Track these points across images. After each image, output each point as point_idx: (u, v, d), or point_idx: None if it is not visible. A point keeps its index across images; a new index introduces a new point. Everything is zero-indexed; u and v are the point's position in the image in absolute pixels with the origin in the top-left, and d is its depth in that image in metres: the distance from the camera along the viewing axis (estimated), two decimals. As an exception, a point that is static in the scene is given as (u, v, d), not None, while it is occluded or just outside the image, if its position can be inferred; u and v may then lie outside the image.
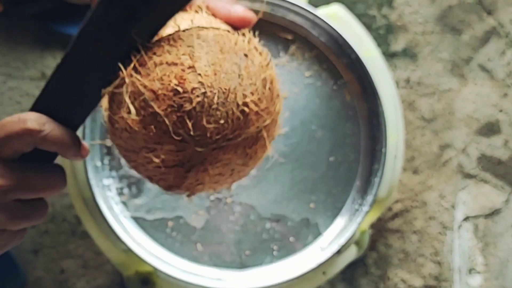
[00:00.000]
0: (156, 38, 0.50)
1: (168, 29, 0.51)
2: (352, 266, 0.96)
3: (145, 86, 0.47)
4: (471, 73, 1.00)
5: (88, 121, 0.76)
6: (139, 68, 0.48)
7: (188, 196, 0.54)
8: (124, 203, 0.78)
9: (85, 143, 0.53)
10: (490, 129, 1.00)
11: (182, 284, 0.76)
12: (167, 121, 0.47)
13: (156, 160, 0.49)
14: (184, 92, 0.46)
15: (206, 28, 0.50)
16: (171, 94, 0.46)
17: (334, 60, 0.79)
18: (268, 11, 0.76)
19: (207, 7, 0.54)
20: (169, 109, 0.47)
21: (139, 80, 0.47)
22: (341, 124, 0.79)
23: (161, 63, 0.47)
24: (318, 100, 0.79)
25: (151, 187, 0.78)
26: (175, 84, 0.46)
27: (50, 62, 0.99)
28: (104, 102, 0.53)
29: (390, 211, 0.98)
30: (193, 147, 0.47)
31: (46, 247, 0.97)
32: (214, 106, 0.47)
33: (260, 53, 0.51)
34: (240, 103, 0.47)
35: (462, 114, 1.00)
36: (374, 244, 0.98)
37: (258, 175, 0.79)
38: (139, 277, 0.78)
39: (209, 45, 0.48)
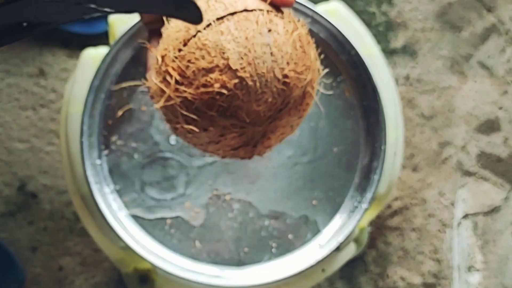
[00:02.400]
0: (182, 42, 0.51)
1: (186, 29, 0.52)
2: (351, 264, 0.96)
3: (193, 95, 0.50)
4: (470, 70, 1.00)
5: (86, 118, 0.76)
6: (181, 80, 0.51)
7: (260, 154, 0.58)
8: (122, 201, 0.78)
9: None
10: (489, 126, 0.99)
11: (181, 281, 0.76)
12: (222, 120, 0.51)
13: (223, 150, 0.54)
14: (229, 90, 0.49)
15: (224, 17, 0.51)
16: (217, 96, 0.50)
17: (333, 57, 0.79)
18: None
19: None
20: (220, 109, 0.50)
21: (185, 91, 0.50)
22: (340, 121, 0.79)
23: (198, 70, 0.50)
24: (317, 98, 0.79)
25: (150, 186, 0.78)
26: (218, 87, 0.49)
27: (49, 59, 0.99)
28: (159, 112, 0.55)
29: (390, 209, 0.98)
30: (252, 128, 0.52)
31: (44, 245, 0.97)
32: (259, 91, 0.50)
33: (281, 17, 0.53)
34: (280, 77, 0.50)
35: (461, 111, 1.00)
36: (373, 241, 0.98)
37: (257, 173, 0.78)
38: (137, 274, 0.78)
39: (234, 37, 0.50)
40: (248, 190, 0.79)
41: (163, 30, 0.54)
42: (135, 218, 0.78)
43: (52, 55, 0.99)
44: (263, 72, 0.50)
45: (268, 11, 0.52)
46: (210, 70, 0.50)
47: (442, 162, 0.99)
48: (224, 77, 0.49)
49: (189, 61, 0.50)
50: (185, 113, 0.51)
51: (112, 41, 0.77)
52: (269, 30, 0.51)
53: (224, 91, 0.49)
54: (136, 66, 0.77)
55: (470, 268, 0.97)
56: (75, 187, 0.78)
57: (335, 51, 0.78)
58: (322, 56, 0.79)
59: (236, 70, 0.49)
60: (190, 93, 0.50)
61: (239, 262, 0.78)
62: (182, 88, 0.50)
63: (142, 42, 0.74)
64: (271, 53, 0.50)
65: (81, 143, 0.76)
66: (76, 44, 0.99)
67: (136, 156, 0.78)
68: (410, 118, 0.99)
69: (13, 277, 0.94)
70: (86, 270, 0.97)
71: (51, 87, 0.99)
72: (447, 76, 1.00)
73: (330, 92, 0.79)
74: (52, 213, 0.97)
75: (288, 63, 0.51)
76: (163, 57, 0.52)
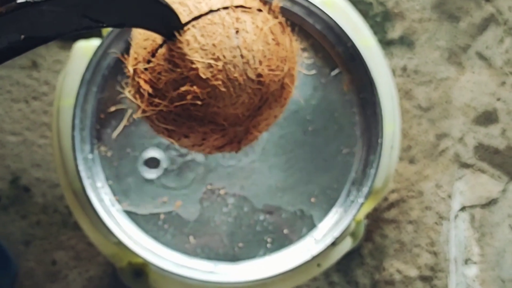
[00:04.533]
0: (150, 52, 0.50)
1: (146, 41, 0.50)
2: (347, 257, 0.95)
3: (168, 108, 0.49)
4: (468, 61, 0.99)
5: (78, 111, 0.75)
6: (154, 92, 0.49)
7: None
8: (115, 195, 0.77)
9: None
10: (487, 118, 0.98)
11: (175, 277, 0.75)
12: (201, 128, 0.50)
13: (208, 149, 0.54)
14: (202, 100, 0.48)
15: (189, 23, 0.49)
16: (192, 107, 0.49)
17: (329, 48, 0.78)
18: (262, -2, 0.75)
19: None
20: (197, 118, 0.50)
21: (160, 103, 0.49)
22: (336, 114, 0.78)
23: (169, 82, 0.49)
24: (313, 90, 0.78)
25: (143, 181, 0.77)
26: (191, 99, 0.48)
27: (42, 51, 0.98)
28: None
29: (386, 201, 0.97)
30: (233, 129, 0.52)
31: (37, 238, 0.96)
32: (234, 95, 0.49)
33: (250, 12, 0.51)
34: (254, 78, 0.49)
35: (459, 102, 0.99)
36: (370, 234, 0.97)
37: (251, 167, 0.78)
38: (132, 269, 0.78)
39: (201, 45, 0.48)
40: (243, 184, 0.78)
41: (132, 37, 0.53)
42: (128, 213, 0.77)
43: (45, 47, 0.98)
44: (235, 77, 0.48)
45: (235, 6, 0.50)
46: (180, 82, 0.48)
47: (439, 154, 0.98)
48: (195, 88, 0.48)
49: (159, 73, 0.49)
50: (162, 125, 0.51)
51: (105, 32, 0.76)
52: (237, 31, 0.49)
53: (197, 102, 0.48)
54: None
55: (467, 261, 0.97)
56: (67, 181, 0.77)
57: (331, 43, 0.77)
58: (318, 47, 0.78)
59: (207, 79, 0.48)
60: (164, 106, 0.49)
61: (233, 257, 0.77)
62: (156, 100, 0.49)
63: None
64: (242, 55, 0.48)
65: (73, 137, 0.75)
66: (68, 37, 0.98)
67: (129, 150, 0.77)
68: (407, 109, 0.98)
69: (6, 271, 0.94)
70: (80, 264, 0.96)
71: (44, 79, 0.98)
72: (445, 67, 0.99)
73: (313, 72, 0.78)
74: (45, 207, 0.96)
75: (260, 62, 0.49)
76: (134, 68, 0.51)
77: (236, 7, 0.50)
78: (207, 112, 0.49)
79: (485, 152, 0.98)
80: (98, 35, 0.78)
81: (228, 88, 0.48)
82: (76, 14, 0.41)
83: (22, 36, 0.40)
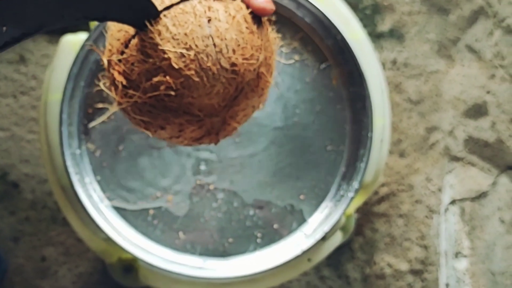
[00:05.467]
0: (123, 43, 0.49)
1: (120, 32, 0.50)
2: (338, 251, 0.95)
3: (142, 99, 0.49)
4: (458, 54, 0.99)
5: (65, 106, 0.74)
6: (128, 84, 0.49)
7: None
8: (103, 191, 0.76)
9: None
10: (477, 111, 0.98)
11: (165, 273, 0.75)
12: (177, 119, 0.50)
13: (186, 141, 0.53)
14: (176, 90, 0.48)
15: (161, 12, 0.48)
16: (166, 98, 0.48)
17: (319, 42, 0.78)
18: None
19: None
20: (172, 109, 0.49)
21: (134, 94, 0.49)
22: (326, 108, 0.78)
23: (142, 73, 0.48)
24: (303, 84, 0.78)
25: (132, 176, 0.76)
26: (164, 89, 0.48)
27: (29, 46, 0.97)
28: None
29: (376, 195, 0.97)
30: (209, 119, 0.51)
31: (26, 235, 0.95)
32: (207, 85, 0.48)
33: (221, 0, 0.50)
34: (227, 67, 0.48)
35: (449, 96, 0.98)
36: (360, 228, 0.97)
37: (241, 161, 0.77)
38: (122, 264, 0.77)
39: (173, 34, 0.47)
40: (233, 179, 0.77)
41: (107, 29, 0.52)
42: (117, 209, 0.76)
43: (32, 41, 0.97)
44: (209, 66, 0.48)
45: None
46: (153, 72, 0.48)
47: (430, 148, 0.98)
48: (168, 78, 0.47)
49: (132, 64, 0.48)
50: (137, 117, 0.50)
51: (92, 26, 0.75)
52: (209, 20, 0.48)
53: (171, 92, 0.48)
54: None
55: (457, 254, 0.97)
56: (55, 177, 0.76)
57: (321, 36, 0.77)
58: (307, 40, 0.78)
59: (180, 69, 0.47)
60: (138, 97, 0.48)
61: (223, 252, 0.77)
62: (130, 92, 0.49)
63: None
64: (214, 45, 0.48)
65: (60, 132, 0.74)
66: (56, 29, 0.97)
67: (117, 145, 0.76)
68: (397, 103, 0.98)
69: (-5, 268, 0.93)
70: (70, 260, 0.96)
71: (32, 73, 0.97)
72: (435, 60, 0.99)
73: (291, 61, 0.78)
74: (34, 203, 0.96)
75: (234, 51, 0.49)
76: (108, 60, 0.50)
77: (212, 1, 0.49)
78: (181, 102, 0.49)
79: (475, 145, 0.98)
80: (86, 29, 0.78)
81: (202, 78, 0.48)
82: (58, 6, 0.41)
83: (4, 28, 0.40)
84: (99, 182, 0.76)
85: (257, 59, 0.50)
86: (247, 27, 0.50)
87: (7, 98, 0.97)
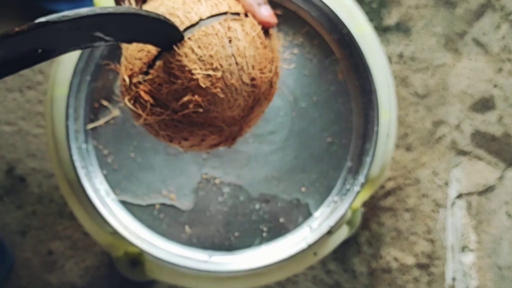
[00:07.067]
0: (146, 63, 0.52)
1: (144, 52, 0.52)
2: (344, 245, 0.95)
3: (170, 117, 0.52)
4: (465, 48, 0.98)
5: (72, 101, 0.74)
6: (155, 102, 0.52)
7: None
8: (110, 185, 0.76)
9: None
10: (484, 104, 0.98)
11: (171, 266, 0.75)
12: (201, 131, 0.54)
13: (204, 148, 0.57)
14: (204, 107, 0.52)
15: (185, 36, 0.51)
16: (194, 114, 0.52)
17: (325, 35, 0.77)
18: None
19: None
20: (198, 123, 0.53)
21: (162, 113, 0.52)
22: (333, 102, 0.78)
23: (171, 93, 0.51)
24: (308, 78, 0.77)
25: (138, 170, 0.77)
26: (193, 107, 0.51)
27: (35, 39, 0.97)
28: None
29: (383, 189, 0.97)
30: (229, 128, 0.55)
31: (33, 229, 0.96)
32: (231, 100, 0.52)
33: (236, 19, 0.53)
34: (248, 82, 0.53)
35: (456, 89, 0.98)
36: (367, 222, 0.97)
37: (247, 156, 0.77)
38: (128, 258, 0.77)
39: (199, 56, 0.50)
40: (239, 173, 0.77)
41: (122, 46, 0.55)
42: (123, 203, 0.77)
43: (39, 35, 0.97)
44: (232, 83, 0.52)
45: (224, 13, 0.52)
46: (182, 92, 0.51)
47: (436, 142, 0.98)
48: (197, 97, 0.51)
49: (159, 84, 0.51)
50: (163, 132, 0.54)
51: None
52: (230, 40, 0.52)
53: (199, 109, 0.51)
54: (121, 47, 0.75)
55: (463, 248, 0.97)
56: (61, 171, 0.76)
57: (327, 30, 0.77)
58: (313, 34, 0.77)
59: (207, 87, 0.51)
60: (167, 115, 0.52)
61: (229, 246, 0.77)
62: (158, 110, 0.52)
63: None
64: (236, 63, 0.52)
65: (67, 126, 0.74)
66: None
67: (123, 140, 0.77)
68: (403, 97, 0.98)
69: (2, 261, 0.93)
70: (76, 254, 0.96)
71: (38, 68, 0.98)
72: (442, 54, 0.98)
73: (292, 66, 0.77)
74: (41, 197, 0.96)
75: (253, 67, 0.53)
76: (130, 77, 0.53)
77: (224, 14, 0.52)
78: (207, 117, 0.53)
79: (482, 139, 0.98)
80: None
81: (226, 94, 0.52)
82: (90, 32, 0.45)
83: (40, 51, 0.44)
84: (105, 176, 0.76)
85: (271, 71, 0.55)
86: (261, 43, 0.54)
87: (13, 93, 0.97)
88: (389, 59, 0.97)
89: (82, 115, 0.75)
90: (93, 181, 0.75)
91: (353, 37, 0.75)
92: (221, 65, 0.51)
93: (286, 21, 0.77)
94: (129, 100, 0.54)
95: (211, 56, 0.51)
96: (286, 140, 0.78)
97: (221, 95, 0.51)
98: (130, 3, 0.55)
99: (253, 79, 0.53)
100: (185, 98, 0.51)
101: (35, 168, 0.97)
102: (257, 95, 0.55)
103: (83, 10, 0.43)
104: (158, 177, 0.77)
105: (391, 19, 0.99)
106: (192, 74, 0.50)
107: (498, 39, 0.98)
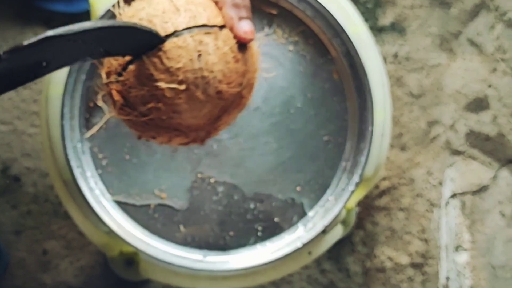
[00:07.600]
0: (121, 64, 0.54)
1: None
2: (339, 245, 0.95)
3: (136, 118, 0.54)
4: (460, 48, 0.99)
5: (67, 100, 0.74)
6: (125, 102, 0.54)
7: None
8: (105, 185, 0.76)
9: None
10: (478, 104, 0.98)
11: (166, 266, 0.75)
12: (167, 133, 0.56)
13: (175, 145, 0.59)
14: (168, 115, 0.54)
15: (154, 49, 0.52)
16: (158, 120, 0.54)
17: (320, 35, 0.77)
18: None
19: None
20: (163, 126, 0.55)
21: (130, 113, 0.54)
22: (327, 101, 0.78)
23: (138, 98, 0.53)
24: (304, 77, 0.78)
25: (133, 170, 0.77)
26: (156, 114, 0.53)
27: (31, 37, 0.97)
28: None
29: (377, 189, 0.97)
30: (195, 133, 0.57)
31: (28, 228, 0.96)
32: (195, 110, 0.54)
33: (210, 32, 0.54)
34: (214, 95, 0.54)
35: (450, 89, 0.98)
36: (361, 222, 0.97)
37: (242, 155, 0.77)
38: (123, 258, 0.77)
39: (167, 67, 0.52)
40: (233, 172, 0.77)
41: None
42: (118, 203, 0.77)
43: (34, 34, 0.97)
44: (197, 95, 0.53)
45: (201, 26, 0.54)
46: (148, 99, 0.53)
47: (431, 141, 0.98)
48: (161, 105, 0.53)
49: (129, 87, 0.53)
50: (131, 129, 0.57)
51: (93, 18, 0.75)
52: (199, 55, 0.53)
53: (163, 116, 0.53)
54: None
55: (457, 248, 0.97)
56: (56, 171, 0.76)
57: (322, 30, 0.77)
58: (308, 34, 0.78)
59: (172, 97, 0.52)
60: (134, 116, 0.54)
61: (224, 246, 0.77)
62: (127, 110, 0.55)
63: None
64: (203, 77, 0.53)
65: (62, 126, 0.74)
66: (57, 23, 0.97)
67: (118, 139, 0.77)
68: (398, 97, 0.98)
69: (-3, 261, 0.93)
70: (71, 254, 0.96)
71: (33, 67, 0.97)
72: (436, 54, 0.99)
73: (272, 74, 0.78)
74: (36, 196, 0.96)
75: (220, 81, 0.54)
76: (107, 74, 0.55)
77: (201, 26, 0.54)
78: (171, 123, 0.55)
79: (476, 139, 0.98)
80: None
81: (190, 105, 0.53)
82: (92, 46, 0.48)
83: (44, 63, 0.47)
84: (100, 175, 0.76)
85: (241, 84, 0.56)
86: (233, 57, 0.55)
87: (8, 92, 0.97)
88: (384, 59, 0.97)
89: (77, 115, 0.75)
90: (88, 180, 0.75)
91: (348, 37, 0.76)
92: (187, 78, 0.52)
93: (282, 20, 0.77)
94: (103, 96, 0.55)
95: (178, 68, 0.52)
96: (281, 140, 0.78)
97: (185, 106, 0.53)
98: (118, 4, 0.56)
99: (219, 92, 0.54)
100: (150, 105, 0.53)
101: (30, 168, 0.96)
102: (224, 106, 0.56)
103: (87, 24, 0.46)
104: (153, 176, 0.77)
105: (386, 19, 0.99)
106: (157, 83, 0.52)
107: (492, 39, 0.99)
